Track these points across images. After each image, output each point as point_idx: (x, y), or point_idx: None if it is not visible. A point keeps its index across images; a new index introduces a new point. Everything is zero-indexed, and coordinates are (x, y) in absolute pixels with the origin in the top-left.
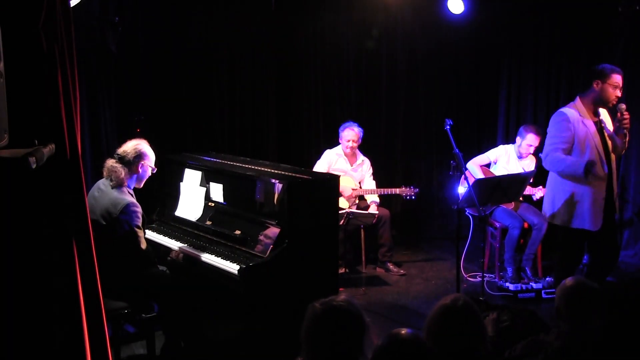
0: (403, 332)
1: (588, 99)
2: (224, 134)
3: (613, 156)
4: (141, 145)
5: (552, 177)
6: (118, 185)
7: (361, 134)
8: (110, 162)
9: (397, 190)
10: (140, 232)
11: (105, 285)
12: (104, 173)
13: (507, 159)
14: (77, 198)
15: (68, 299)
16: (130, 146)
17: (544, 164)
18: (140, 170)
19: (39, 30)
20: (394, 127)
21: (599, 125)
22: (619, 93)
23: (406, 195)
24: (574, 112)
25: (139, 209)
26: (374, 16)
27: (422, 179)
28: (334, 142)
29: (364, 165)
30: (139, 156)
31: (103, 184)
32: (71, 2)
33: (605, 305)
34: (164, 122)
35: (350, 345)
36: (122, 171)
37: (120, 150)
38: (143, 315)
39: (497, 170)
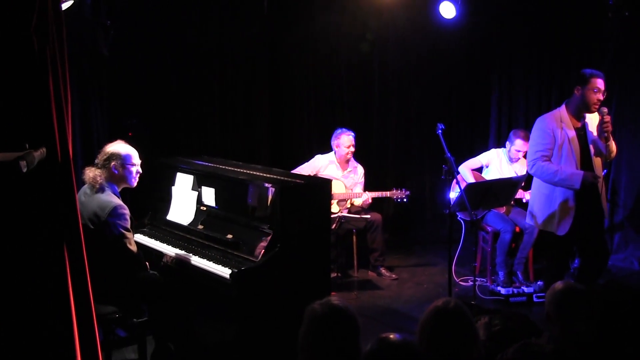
0: (392, 336)
1: (572, 106)
2: (216, 138)
3: (598, 160)
4: (112, 146)
5: (534, 180)
6: (98, 188)
7: (355, 138)
8: (87, 169)
9: (388, 193)
10: (129, 235)
11: (96, 289)
12: (84, 179)
13: (500, 162)
14: (68, 202)
15: (59, 303)
16: (102, 150)
17: (530, 171)
18: (115, 171)
19: (30, 33)
20: (386, 132)
21: (581, 132)
22: (600, 97)
23: (397, 198)
24: (555, 118)
25: (127, 211)
26: (367, 20)
27: (414, 184)
28: (326, 146)
29: (357, 173)
30: (108, 158)
31: (89, 188)
32: (63, 5)
33: (595, 308)
34: (156, 126)
35: (352, 345)
36: (97, 174)
37: (97, 157)
38: (134, 319)
39: (490, 174)
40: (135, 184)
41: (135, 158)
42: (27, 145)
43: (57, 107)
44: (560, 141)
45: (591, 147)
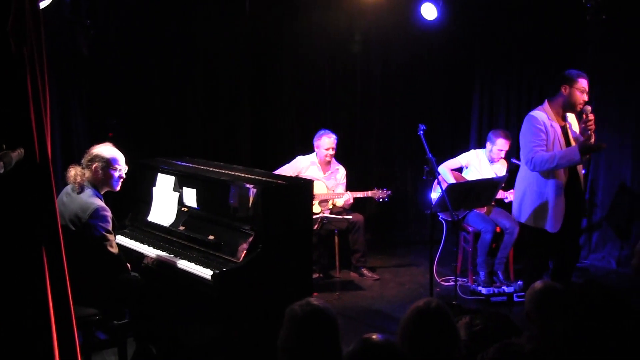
0: (374, 336)
1: (556, 104)
2: (198, 139)
3: None
4: (97, 148)
5: (520, 178)
6: (79, 189)
7: (337, 140)
8: (71, 168)
9: (370, 193)
10: (110, 237)
11: (76, 291)
12: (67, 179)
13: (479, 163)
14: (47, 203)
15: (37, 306)
16: (88, 151)
17: (530, 168)
18: (97, 173)
19: (7, 32)
20: (368, 133)
21: (565, 129)
22: (585, 97)
23: (379, 198)
24: (543, 115)
25: (109, 213)
26: (349, 22)
27: (396, 184)
28: (308, 147)
29: (338, 174)
30: (92, 159)
31: (71, 188)
32: (40, 3)
33: (574, 307)
34: (137, 127)
35: (331, 346)
36: (77, 173)
37: (83, 158)
38: (115, 322)
39: (470, 175)
40: (118, 188)
41: (120, 162)
42: (4, 146)
43: (35, 107)
44: (551, 139)
45: (573, 144)
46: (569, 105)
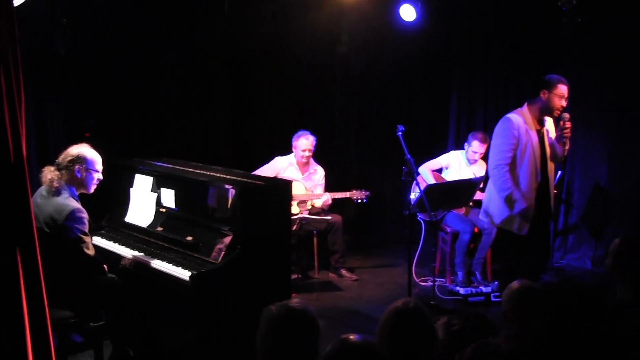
0: (352, 337)
1: (535, 107)
2: (177, 140)
3: (552, 165)
4: (78, 149)
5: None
6: (55, 191)
7: (315, 142)
8: (46, 169)
9: (348, 194)
10: (86, 238)
11: (52, 293)
12: (42, 180)
13: (459, 164)
14: (21, 205)
15: (11, 309)
16: (66, 151)
17: (490, 172)
18: (78, 175)
19: None
20: (347, 133)
21: (542, 135)
22: (564, 103)
23: (357, 199)
24: (520, 119)
25: (85, 215)
26: (329, 24)
27: (375, 185)
28: (287, 148)
29: (317, 175)
30: (73, 160)
31: (45, 190)
32: (14, 2)
33: (551, 306)
34: (115, 127)
35: (308, 348)
36: (54, 177)
37: (59, 158)
38: (91, 324)
39: (449, 176)
40: (92, 191)
41: (99, 164)
42: None
43: (9, 107)
44: (524, 143)
45: (548, 150)
46: (547, 110)
